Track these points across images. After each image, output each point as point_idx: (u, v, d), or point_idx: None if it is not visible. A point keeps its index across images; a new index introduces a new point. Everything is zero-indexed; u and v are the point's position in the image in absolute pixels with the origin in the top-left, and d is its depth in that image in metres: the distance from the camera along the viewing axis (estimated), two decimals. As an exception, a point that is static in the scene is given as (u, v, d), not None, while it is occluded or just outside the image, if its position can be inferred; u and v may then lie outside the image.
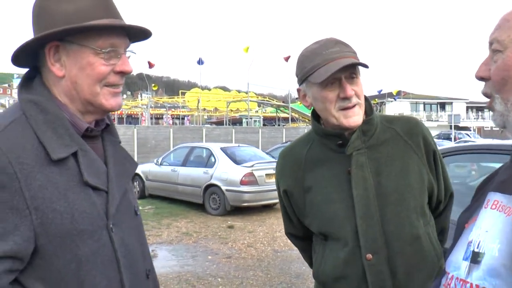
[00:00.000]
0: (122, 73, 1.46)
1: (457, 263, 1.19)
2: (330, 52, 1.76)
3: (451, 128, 32.64)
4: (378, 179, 1.82)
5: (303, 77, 1.83)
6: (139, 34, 1.51)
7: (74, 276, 1.33)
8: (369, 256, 1.76)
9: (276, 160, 2.16)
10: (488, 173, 4.49)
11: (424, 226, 1.85)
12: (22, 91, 1.43)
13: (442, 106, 74.29)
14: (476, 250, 1.12)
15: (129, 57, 1.50)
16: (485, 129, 61.52)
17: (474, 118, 72.15)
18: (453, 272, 1.18)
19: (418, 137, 1.90)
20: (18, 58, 1.43)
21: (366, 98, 1.88)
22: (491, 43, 1.20)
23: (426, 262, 1.82)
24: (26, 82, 1.45)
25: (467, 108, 74.52)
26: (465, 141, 22.28)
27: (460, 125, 50.22)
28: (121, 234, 1.44)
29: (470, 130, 52.23)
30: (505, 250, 1.03)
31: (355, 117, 1.78)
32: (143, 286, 1.53)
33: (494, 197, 1.18)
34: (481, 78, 1.23)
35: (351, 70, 1.77)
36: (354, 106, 1.78)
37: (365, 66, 1.78)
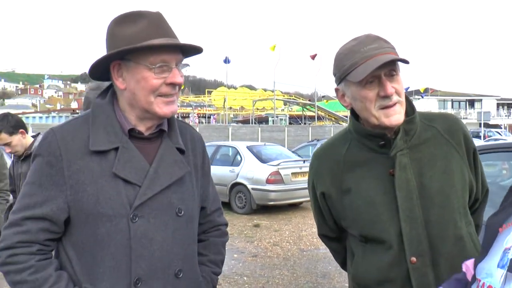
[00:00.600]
0: (173, 84, 1.66)
1: (489, 270, 1.13)
2: (369, 49, 1.70)
3: (480, 126, 32.12)
4: (421, 180, 1.76)
5: (341, 76, 1.77)
6: (191, 49, 1.72)
7: (91, 249, 1.60)
8: (414, 259, 1.72)
9: (310, 161, 2.10)
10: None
11: (466, 226, 1.81)
12: (98, 96, 1.76)
13: (471, 103, 73.03)
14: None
15: (185, 69, 1.76)
16: (515, 126, 60.18)
17: (505, 116, 70.57)
18: (485, 279, 1.12)
19: (459, 135, 1.84)
20: (94, 74, 1.72)
21: (406, 97, 1.81)
22: None
23: None
24: (106, 91, 1.76)
25: (498, 105, 73.09)
26: (496, 139, 21.84)
27: (490, 122, 49.38)
28: (146, 226, 1.63)
29: (501, 128, 51.21)
30: None
31: (397, 116, 1.72)
32: (165, 283, 1.66)
33: None
34: None
35: (391, 67, 1.70)
36: (395, 104, 1.72)
37: (406, 62, 1.71)
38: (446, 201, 1.75)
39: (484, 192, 1.98)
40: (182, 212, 1.71)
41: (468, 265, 1.39)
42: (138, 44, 1.60)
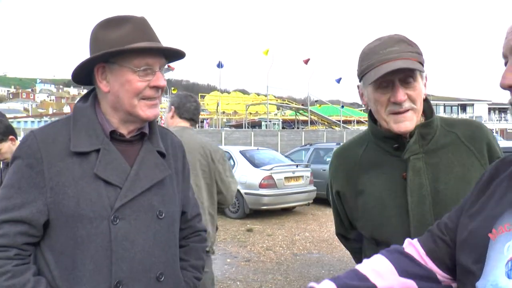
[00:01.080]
0: (156, 88, 1.69)
1: (495, 281, 1.07)
2: (388, 51, 1.67)
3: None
4: (435, 186, 1.73)
5: (360, 75, 1.77)
6: (174, 54, 1.76)
7: (70, 252, 1.58)
8: None
9: (330, 160, 2.08)
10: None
11: None
12: (79, 100, 1.78)
13: (463, 107, 73.45)
14: None
15: (167, 72, 1.73)
16: (508, 131, 60.48)
17: (497, 120, 70.98)
18: None
19: (481, 142, 1.79)
20: (76, 77, 1.74)
21: (426, 100, 1.80)
22: None
23: None
24: (87, 95, 1.77)
25: (489, 109, 73.53)
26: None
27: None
28: (127, 228, 1.63)
29: (493, 132, 51.43)
30: None
31: (406, 123, 1.70)
32: (147, 286, 1.65)
33: None
34: (509, 87, 1.11)
35: (407, 73, 1.67)
36: (406, 111, 1.69)
37: (420, 70, 1.69)
38: None
39: None
40: (163, 215, 1.71)
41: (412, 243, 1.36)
42: (122, 47, 1.62)
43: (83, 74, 1.73)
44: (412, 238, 1.55)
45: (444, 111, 71.92)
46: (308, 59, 36.56)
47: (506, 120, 70.83)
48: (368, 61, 1.70)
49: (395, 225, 1.74)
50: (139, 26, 1.69)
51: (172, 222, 1.77)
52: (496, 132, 53.80)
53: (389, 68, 1.62)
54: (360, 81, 1.81)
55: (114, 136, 1.72)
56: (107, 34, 1.67)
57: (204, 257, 2.03)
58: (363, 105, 1.90)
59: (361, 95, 1.86)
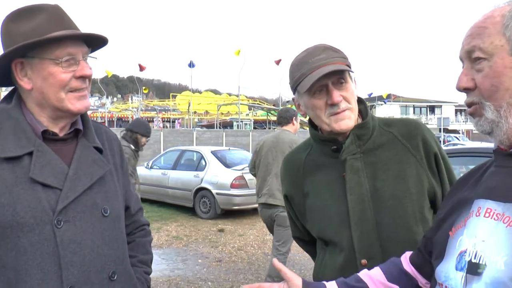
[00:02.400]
0: (83, 78, 1.60)
1: (447, 273, 1.17)
2: (316, 59, 1.75)
3: (440, 131, 32.86)
4: (374, 183, 1.79)
5: (293, 86, 1.83)
6: (97, 41, 1.67)
7: (13, 264, 1.47)
8: (364, 261, 1.74)
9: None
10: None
11: (424, 231, 1.80)
12: (1, 102, 1.66)
13: (432, 109, 74.80)
14: (474, 260, 1.09)
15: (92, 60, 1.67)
16: (473, 132, 61.78)
17: (463, 121, 72.48)
18: (446, 282, 1.16)
19: (417, 139, 1.86)
20: None
21: (362, 101, 1.88)
22: (469, 52, 1.18)
23: None
24: (10, 95, 1.67)
25: (456, 111, 75.00)
26: (454, 144, 22.47)
27: (449, 128, 50.56)
28: (73, 230, 1.55)
29: (459, 133, 52.57)
30: (509, 264, 1.01)
31: (346, 121, 1.77)
32: (100, 287, 1.60)
33: (486, 205, 1.14)
34: (464, 89, 1.21)
35: (338, 76, 1.75)
36: (344, 111, 1.76)
37: (349, 71, 1.77)
38: (399, 205, 1.77)
39: None
40: (108, 212, 1.65)
41: (406, 257, 1.52)
42: (38, 38, 1.52)
43: (0, 74, 1.61)
44: (353, 235, 1.74)
45: (414, 112, 73.14)
46: (280, 60, 36.73)
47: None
48: (299, 71, 1.77)
49: (337, 223, 1.81)
50: (54, 15, 1.58)
51: (118, 219, 1.72)
52: (463, 133, 55.01)
53: (322, 73, 1.69)
54: (294, 93, 1.88)
55: (47, 136, 1.62)
56: (19, 26, 1.55)
57: (151, 251, 1.99)
58: (301, 115, 1.96)
59: (298, 106, 1.92)
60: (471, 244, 1.12)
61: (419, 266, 1.44)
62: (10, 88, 1.71)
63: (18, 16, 1.57)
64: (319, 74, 1.69)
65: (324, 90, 1.76)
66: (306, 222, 1.98)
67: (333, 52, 1.79)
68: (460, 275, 1.11)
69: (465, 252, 1.12)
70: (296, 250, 8.48)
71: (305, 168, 1.96)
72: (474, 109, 1.19)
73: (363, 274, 1.52)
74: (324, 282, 1.52)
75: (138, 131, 6.39)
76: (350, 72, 1.80)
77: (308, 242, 2.14)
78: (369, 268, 1.71)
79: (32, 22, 1.55)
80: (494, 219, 1.09)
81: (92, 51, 1.69)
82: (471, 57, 1.18)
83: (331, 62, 1.74)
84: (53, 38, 1.53)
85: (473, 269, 1.08)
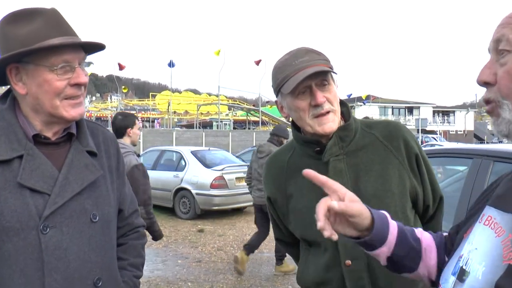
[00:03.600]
0: (78, 85, 1.59)
1: (446, 277, 1.14)
2: (300, 61, 1.77)
3: (418, 131, 33.19)
4: (357, 184, 1.81)
5: (277, 88, 1.85)
6: (94, 46, 1.64)
7: None
8: (348, 262, 1.76)
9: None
10: (452, 176, 4.58)
11: None
12: None
13: (410, 110, 75.46)
14: (464, 267, 1.07)
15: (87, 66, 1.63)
16: (450, 133, 62.91)
17: (440, 122, 73.54)
18: (443, 285, 1.15)
19: (398, 141, 1.88)
20: None
21: (344, 104, 1.91)
22: (497, 42, 1.07)
23: None
24: (5, 96, 1.65)
25: (434, 112, 75.89)
26: (432, 145, 22.75)
27: (427, 129, 51.18)
28: (59, 237, 1.53)
29: (437, 134, 53.21)
30: (488, 275, 0.97)
31: (329, 123, 1.79)
32: None
33: (489, 212, 1.10)
34: (484, 83, 1.09)
35: (322, 77, 1.78)
36: (327, 112, 1.79)
37: (332, 72, 1.80)
38: (381, 204, 1.77)
39: (438, 199, 2.00)
40: (97, 218, 1.64)
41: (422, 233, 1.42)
42: (37, 45, 1.50)
43: None
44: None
45: (392, 113, 73.69)
46: (260, 60, 36.71)
47: (449, 122, 73.49)
48: (283, 73, 1.79)
49: None
50: (52, 20, 1.56)
51: (107, 224, 1.70)
52: (440, 134, 55.69)
53: (305, 74, 1.72)
54: (277, 95, 1.90)
55: (38, 139, 1.60)
56: (16, 30, 1.53)
57: (143, 254, 1.98)
58: (284, 118, 1.98)
59: (281, 108, 1.94)
60: (467, 250, 1.10)
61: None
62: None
63: (15, 19, 1.55)
64: (303, 75, 1.72)
65: (307, 92, 1.78)
66: (289, 223, 1.99)
67: (316, 54, 1.81)
68: (452, 279, 1.09)
69: (461, 257, 1.10)
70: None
71: (288, 170, 1.97)
72: (492, 108, 1.09)
73: (419, 231, 1.43)
74: (387, 215, 1.37)
75: (282, 135, 7.53)
76: (333, 75, 1.83)
77: (291, 244, 2.15)
78: (353, 268, 1.75)
79: (29, 26, 1.53)
80: (491, 227, 1.05)
81: (88, 54, 1.67)
82: (497, 48, 1.07)
83: (314, 64, 1.76)
84: (49, 46, 1.51)
85: (461, 275, 1.06)
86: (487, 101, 1.09)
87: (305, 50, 1.83)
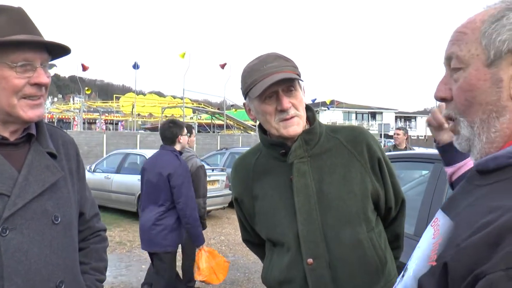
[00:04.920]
0: (38, 85, 1.55)
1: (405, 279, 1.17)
2: (269, 67, 1.82)
3: (381, 136, 33.79)
4: (320, 186, 1.87)
5: (245, 92, 1.89)
6: (59, 49, 1.61)
7: None
8: (310, 260, 1.81)
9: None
10: (413, 180, 4.70)
11: (368, 232, 1.89)
12: None
13: (373, 115, 76.75)
14: (407, 264, 1.12)
15: (50, 69, 1.62)
16: (412, 138, 64.11)
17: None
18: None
19: (361, 145, 1.94)
20: None
21: (310, 109, 1.96)
22: (449, 59, 1.09)
23: (368, 267, 1.85)
24: None
25: (396, 117, 77.40)
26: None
27: (390, 133, 52.04)
28: (19, 239, 1.50)
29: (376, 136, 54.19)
30: (417, 274, 1.01)
31: (294, 127, 1.84)
32: None
33: (438, 215, 1.13)
34: (442, 99, 1.11)
35: (288, 83, 1.83)
36: (292, 117, 1.84)
37: (299, 79, 1.85)
38: (343, 206, 1.85)
39: (400, 202, 2.06)
40: (59, 220, 1.62)
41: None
42: None
43: None
44: (300, 235, 1.80)
45: (356, 118, 74.82)
46: (225, 64, 36.68)
47: (411, 128, 74.98)
48: (251, 78, 1.84)
49: (285, 224, 1.88)
50: (16, 17, 1.53)
51: (69, 227, 1.68)
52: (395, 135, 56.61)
53: (273, 80, 1.77)
54: (245, 98, 1.95)
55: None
56: None
57: (106, 258, 1.97)
58: (251, 120, 2.02)
59: (248, 111, 1.99)
60: (416, 249, 1.14)
61: None
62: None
63: None
64: (271, 81, 1.76)
65: (274, 97, 1.83)
66: (255, 224, 2.05)
67: (284, 61, 1.86)
68: (401, 275, 1.15)
69: (411, 256, 1.15)
70: (241, 254, 8.53)
71: (255, 172, 2.02)
72: (453, 126, 1.11)
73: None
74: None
75: None
76: (300, 81, 1.88)
77: (257, 245, 2.20)
78: (315, 266, 1.80)
79: None
80: (434, 229, 1.09)
81: (53, 58, 1.63)
82: (449, 64, 1.09)
83: (283, 70, 1.82)
84: (9, 41, 1.48)
85: (403, 272, 1.12)
86: (448, 118, 1.12)
87: (274, 56, 1.88)
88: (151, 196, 4.97)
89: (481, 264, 0.82)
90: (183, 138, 5.06)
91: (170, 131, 4.98)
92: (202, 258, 5.01)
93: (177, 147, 5.01)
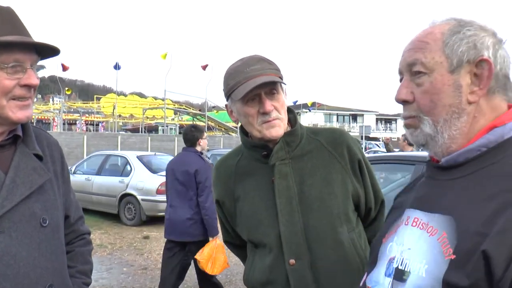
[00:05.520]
0: (28, 86, 1.54)
1: (377, 278, 1.22)
2: (251, 69, 1.82)
3: (362, 138, 34.02)
4: (301, 187, 1.88)
5: (227, 94, 1.90)
6: (48, 50, 1.60)
7: None
8: (292, 261, 1.82)
9: None
10: (394, 181, 4.76)
11: (349, 232, 1.90)
12: None
13: (354, 117, 77.24)
14: (400, 267, 1.14)
15: (38, 70, 1.61)
16: (392, 140, 64.66)
17: (383, 130, 75.76)
18: (375, 287, 1.22)
19: (342, 147, 1.96)
20: None
21: (291, 111, 1.98)
22: (411, 65, 1.21)
23: (349, 267, 1.86)
24: None
25: (377, 120, 78.05)
26: (375, 151, 23.40)
27: (371, 136, 52.53)
28: (7, 242, 1.47)
29: (379, 141, 54.66)
30: (433, 272, 1.04)
31: (277, 128, 1.85)
32: None
33: (414, 214, 1.19)
34: (403, 102, 1.23)
35: (271, 86, 1.84)
36: (274, 120, 1.85)
37: (282, 83, 1.87)
38: (324, 207, 1.87)
39: (379, 202, 2.09)
40: (47, 222, 1.59)
41: None
42: None
43: None
44: (281, 236, 1.82)
45: (337, 120, 75.24)
46: (207, 65, 36.69)
47: (391, 130, 75.74)
48: (234, 80, 1.85)
49: (266, 225, 1.89)
50: (6, 17, 1.52)
51: (57, 229, 1.66)
52: (383, 141, 57.23)
53: (256, 83, 1.78)
54: (227, 99, 1.95)
55: None
56: None
57: (91, 261, 1.95)
58: (233, 122, 2.03)
59: (230, 113, 1.99)
60: (399, 251, 1.17)
61: None
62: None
63: None
64: (254, 84, 1.77)
65: (256, 99, 1.84)
66: (236, 226, 2.05)
67: (267, 63, 1.87)
68: (388, 281, 1.17)
69: (394, 259, 1.18)
70: (223, 257, 8.52)
71: (236, 173, 2.02)
72: (412, 121, 1.23)
73: None
74: None
75: None
76: (282, 84, 1.90)
77: (239, 246, 2.21)
78: (297, 267, 1.81)
79: None
80: (420, 228, 1.14)
81: (41, 59, 1.62)
82: (412, 70, 1.21)
83: (265, 73, 1.82)
84: (2, 42, 1.46)
85: (399, 275, 1.13)
86: (407, 117, 1.24)
87: (257, 58, 1.88)
88: (181, 193, 5.54)
89: None
90: (203, 142, 5.77)
91: (192, 134, 5.68)
92: (210, 245, 5.44)
93: (198, 148, 5.68)
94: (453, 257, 1.01)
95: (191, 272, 7.57)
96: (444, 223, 1.08)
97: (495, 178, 1.06)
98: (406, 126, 1.26)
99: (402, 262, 1.14)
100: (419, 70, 1.18)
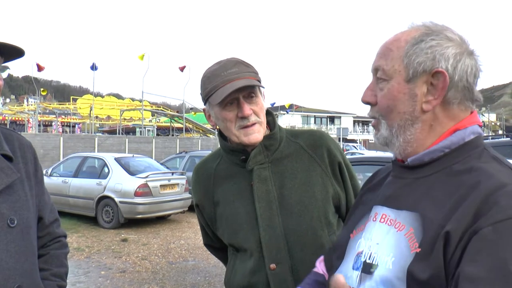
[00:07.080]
0: None
1: (346, 272, 1.26)
2: (229, 73, 1.80)
3: (339, 140, 34.28)
4: (281, 191, 1.87)
5: (205, 97, 1.88)
6: (12, 51, 1.56)
7: None
8: (273, 266, 1.82)
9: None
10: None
11: (329, 235, 1.89)
12: None
13: (332, 119, 77.72)
14: (368, 261, 1.18)
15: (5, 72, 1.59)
16: (370, 141, 65.28)
17: (360, 132, 76.34)
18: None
19: (321, 149, 1.95)
20: None
21: (270, 113, 1.97)
22: (376, 70, 1.25)
23: None
24: None
25: (354, 122, 78.64)
26: (353, 153, 23.60)
27: (348, 137, 52.87)
28: None
29: (357, 143, 55.10)
30: (399, 263, 1.09)
31: (255, 134, 1.84)
32: None
33: (382, 211, 1.23)
34: (367, 103, 1.29)
35: (249, 90, 1.82)
36: (253, 124, 1.83)
37: (260, 86, 1.86)
38: (305, 210, 1.87)
39: None
40: (15, 222, 1.56)
41: (320, 265, 1.56)
42: None
43: None
44: (262, 241, 1.84)
45: (315, 122, 75.59)
46: (184, 66, 36.55)
47: (368, 132, 76.35)
48: (212, 84, 1.82)
49: (246, 230, 1.89)
50: None
51: (27, 230, 1.63)
52: (360, 143, 57.71)
53: (234, 87, 1.77)
54: (205, 103, 1.94)
55: None
56: None
57: (67, 264, 1.92)
58: (211, 126, 2.06)
59: (208, 117, 1.99)
60: (367, 246, 1.22)
61: (327, 265, 1.52)
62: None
63: None
64: (232, 88, 1.75)
65: (235, 103, 1.82)
66: (217, 229, 2.05)
67: (245, 67, 1.86)
68: (356, 274, 1.21)
69: (362, 253, 1.23)
70: (201, 258, 8.53)
71: (216, 177, 2.01)
72: (374, 123, 1.30)
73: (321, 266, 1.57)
74: None
75: None
76: (260, 87, 1.89)
77: (219, 249, 2.22)
78: (278, 271, 1.82)
79: None
80: (388, 224, 1.19)
81: (6, 61, 1.59)
82: (376, 75, 1.26)
83: (243, 77, 1.80)
84: None
85: (367, 268, 1.18)
86: (372, 117, 1.30)
87: (234, 61, 1.86)
88: None
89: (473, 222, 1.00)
90: None
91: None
92: None
93: None
94: (418, 250, 1.07)
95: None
96: (411, 219, 1.14)
97: (456, 176, 1.12)
98: (372, 126, 1.32)
99: (370, 256, 1.19)
100: (380, 76, 1.24)
